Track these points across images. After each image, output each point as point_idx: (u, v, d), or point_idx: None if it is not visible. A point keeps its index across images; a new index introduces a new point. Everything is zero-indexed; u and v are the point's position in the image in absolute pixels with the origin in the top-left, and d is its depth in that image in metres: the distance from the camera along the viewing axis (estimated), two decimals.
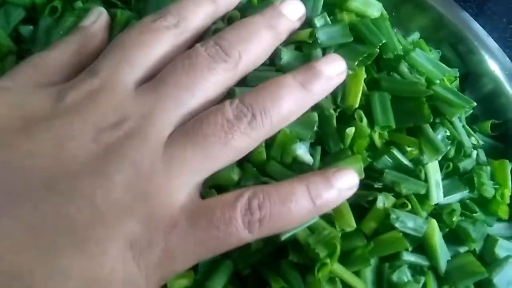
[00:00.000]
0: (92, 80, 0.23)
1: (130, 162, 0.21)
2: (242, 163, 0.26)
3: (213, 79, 0.24)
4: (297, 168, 0.26)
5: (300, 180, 0.24)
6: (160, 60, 0.24)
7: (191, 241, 0.21)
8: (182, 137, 0.22)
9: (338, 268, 0.25)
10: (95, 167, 0.21)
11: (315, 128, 0.27)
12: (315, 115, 0.27)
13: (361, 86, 0.29)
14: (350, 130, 0.28)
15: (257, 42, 0.27)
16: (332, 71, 0.27)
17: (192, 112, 0.23)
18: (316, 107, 0.28)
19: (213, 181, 0.25)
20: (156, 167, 0.21)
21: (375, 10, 0.34)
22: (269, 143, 0.27)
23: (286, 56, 0.30)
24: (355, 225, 0.26)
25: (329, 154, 0.28)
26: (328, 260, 0.25)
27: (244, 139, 0.24)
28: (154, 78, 0.24)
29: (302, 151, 0.26)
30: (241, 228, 0.22)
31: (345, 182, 0.24)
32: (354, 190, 0.25)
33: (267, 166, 0.26)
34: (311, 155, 0.27)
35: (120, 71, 0.23)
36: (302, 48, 0.31)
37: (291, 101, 0.25)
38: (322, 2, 0.33)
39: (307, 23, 0.32)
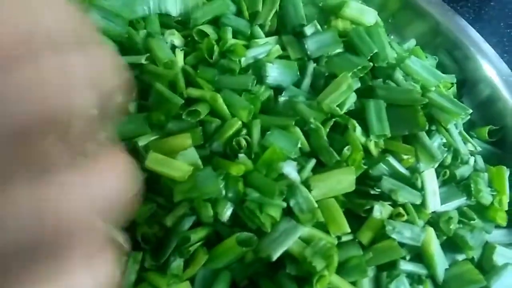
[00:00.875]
0: None
1: None
2: (226, 174, 0.26)
3: None
4: (282, 182, 0.26)
5: None
6: None
7: None
8: None
9: (335, 279, 0.25)
10: None
11: (299, 145, 0.27)
12: (299, 131, 0.28)
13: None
14: (348, 149, 0.28)
15: None
16: None
17: None
18: (303, 121, 0.28)
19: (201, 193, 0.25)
20: None
21: (371, 17, 0.34)
22: (255, 157, 0.27)
23: (273, 72, 0.30)
24: (349, 230, 0.26)
25: (324, 166, 0.28)
26: (326, 272, 0.25)
27: None
28: None
29: (289, 169, 0.27)
30: None
31: None
32: None
33: (251, 177, 0.26)
34: (302, 166, 0.27)
35: None
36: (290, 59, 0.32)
37: None
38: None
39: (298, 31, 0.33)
